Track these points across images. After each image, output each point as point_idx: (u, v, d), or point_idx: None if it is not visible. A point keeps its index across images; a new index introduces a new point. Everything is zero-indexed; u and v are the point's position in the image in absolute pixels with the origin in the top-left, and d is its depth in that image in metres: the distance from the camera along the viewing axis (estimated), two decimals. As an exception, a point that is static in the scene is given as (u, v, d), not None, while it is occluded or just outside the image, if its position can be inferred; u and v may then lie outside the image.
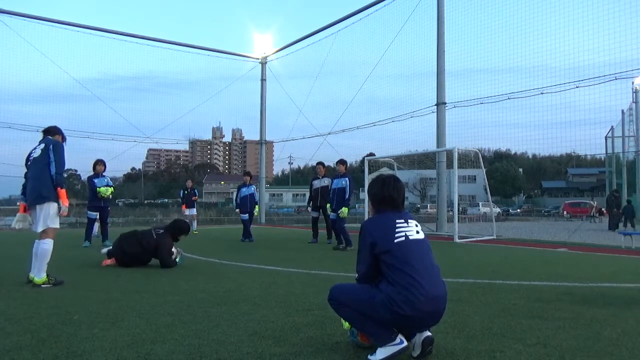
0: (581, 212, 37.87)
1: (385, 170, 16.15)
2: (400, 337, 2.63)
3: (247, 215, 11.84)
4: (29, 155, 5.31)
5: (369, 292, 2.72)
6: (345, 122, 20.20)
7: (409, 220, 2.84)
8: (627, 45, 11.78)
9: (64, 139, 5.62)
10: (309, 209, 11.77)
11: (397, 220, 2.80)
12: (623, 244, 10.54)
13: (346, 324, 2.91)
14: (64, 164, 5.24)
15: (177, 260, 6.81)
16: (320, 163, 11.74)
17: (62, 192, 5.14)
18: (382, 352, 2.59)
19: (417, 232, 2.81)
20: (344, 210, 9.69)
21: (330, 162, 13.17)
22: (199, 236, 13.62)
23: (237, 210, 12.27)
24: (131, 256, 6.61)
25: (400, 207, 2.93)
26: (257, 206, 12.06)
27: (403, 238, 2.72)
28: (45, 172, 5.09)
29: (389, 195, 2.89)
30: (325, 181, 11.22)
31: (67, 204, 5.20)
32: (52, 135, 5.43)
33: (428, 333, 2.70)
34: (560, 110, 13.32)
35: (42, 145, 5.24)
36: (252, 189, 12.04)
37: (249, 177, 12.27)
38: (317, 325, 3.42)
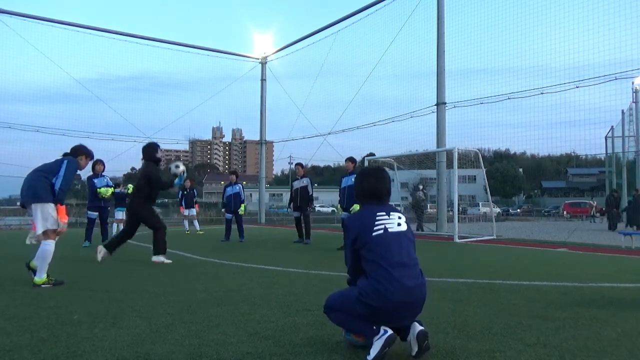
0: (581, 212, 37.88)
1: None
2: (383, 327, 2.59)
3: (231, 214, 11.91)
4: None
5: (350, 291, 2.76)
6: (345, 122, 20.21)
7: (391, 213, 2.83)
8: (627, 45, 11.81)
9: (89, 157, 5.67)
10: (289, 210, 11.77)
11: (378, 213, 2.80)
12: (623, 244, 10.55)
13: None
14: (70, 182, 5.25)
15: (178, 175, 7.30)
16: (298, 164, 11.75)
17: (62, 208, 5.14)
18: (374, 348, 2.58)
19: (399, 225, 2.80)
20: (355, 207, 9.57)
21: (330, 162, 13.26)
22: (198, 236, 13.64)
23: (223, 210, 12.40)
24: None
25: (384, 199, 2.91)
26: (242, 205, 12.02)
27: (381, 231, 2.73)
28: (47, 179, 5.09)
29: (370, 187, 2.89)
30: (304, 181, 11.20)
31: (66, 221, 5.21)
32: (76, 156, 5.46)
33: (420, 327, 2.64)
34: (560, 110, 13.35)
35: (57, 159, 5.31)
36: (237, 187, 12.04)
37: (234, 177, 12.34)
38: (317, 325, 3.41)
